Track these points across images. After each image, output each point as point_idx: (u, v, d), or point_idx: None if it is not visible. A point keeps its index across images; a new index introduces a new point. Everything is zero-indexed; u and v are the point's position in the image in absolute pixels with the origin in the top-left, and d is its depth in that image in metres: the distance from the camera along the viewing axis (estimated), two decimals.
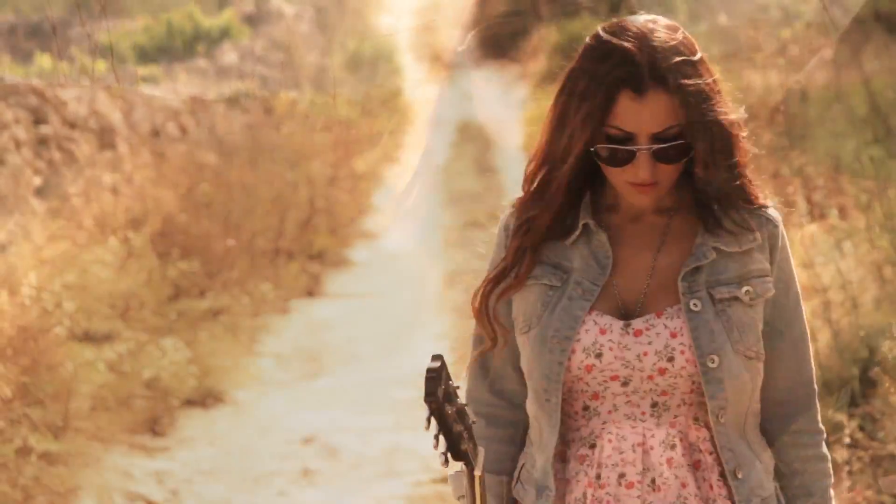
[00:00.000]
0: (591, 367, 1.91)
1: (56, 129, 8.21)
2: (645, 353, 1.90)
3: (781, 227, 1.97)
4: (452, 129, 14.74)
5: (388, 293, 8.53)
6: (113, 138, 8.96)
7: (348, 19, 19.47)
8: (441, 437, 1.75)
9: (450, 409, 1.74)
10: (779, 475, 1.97)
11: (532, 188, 1.94)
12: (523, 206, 1.95)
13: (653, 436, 1.91)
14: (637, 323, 1.91)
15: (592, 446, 1.93)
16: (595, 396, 1.92)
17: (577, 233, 1.95)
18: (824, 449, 1.99)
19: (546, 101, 1.98)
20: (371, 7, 22.77)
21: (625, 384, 1.91)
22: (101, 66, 11.40)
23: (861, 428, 4.39)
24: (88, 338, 6.36)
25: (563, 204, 1.94)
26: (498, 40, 19.73)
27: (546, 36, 16.77)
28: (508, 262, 1.95)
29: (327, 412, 6.18)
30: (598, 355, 1.91)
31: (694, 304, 1.90)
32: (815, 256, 5.26)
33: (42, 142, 8.05)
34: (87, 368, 5.75)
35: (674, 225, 1.95)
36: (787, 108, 8.64)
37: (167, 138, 9.83)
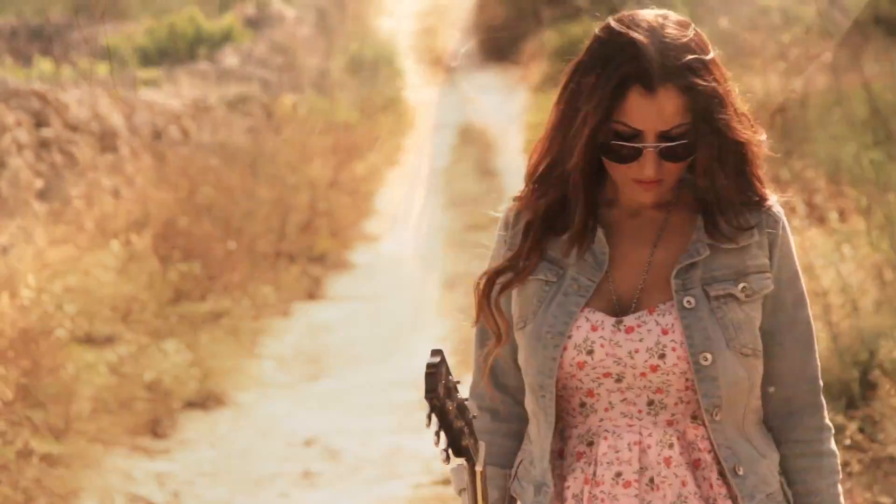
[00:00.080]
0: (583, 364, 1.90)
1: (57, 132, 8.22)
2: (636, 350, 1.89)
3: (783, 222, 1.93)
4: (453, 132, 14.75)
5: (388, 296, 8.54)
6: (114, 141, 8.98)
7: (349, 23, 19.48)
8: (442, 434, 1.74)
9: (450, 405, 1.74)
10: (786, 472, 1.95)
11: (535, 180, 1.92)
12: (529, 199, 1.93)
13: (650, 434, 1.90)
14: (629, 320, 1.89)
15: (590, 444, 1.92)
16: (590, 393, 1.92)
17: (576, 227, 1.92)
18: (832, 445, 1.96)
19: (547, 104, 1.95)
20: (372, 11, 22.80)
21: (618, 381, 1.90)
22: (103, 69, 11.41)
23: (861, 430, 4.40)
24: (90, 340, 6.37)
25: (585, 200, 1.91)
26: (498, 44, 19.74)
27: (546, 39, 16.78)
28: (516, 256, 1.92)
29: (328, 414, 6.18)
30: (590, 352, 1.89)
31: (688, 301, 1.88)
32: (815, 259, 5.26)
33: (43, 145, 8.06)
34: (88, 371, 5.76)
35: (672, 220, 1.93)
36: (788, 112, 8.65)
37: (168, 141, 9.84)
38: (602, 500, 1.90)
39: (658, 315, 1.89)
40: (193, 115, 10.65)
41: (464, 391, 1.85)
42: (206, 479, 5.40)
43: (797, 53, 10.14)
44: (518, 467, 1.98)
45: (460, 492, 1.90)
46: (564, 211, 1.92)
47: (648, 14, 1.87)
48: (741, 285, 1.90)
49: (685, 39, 1.85)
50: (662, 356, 1.88)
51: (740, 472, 1.89)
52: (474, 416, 1.81)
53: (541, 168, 1.91)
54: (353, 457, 5.57)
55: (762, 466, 1.91)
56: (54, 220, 7.43)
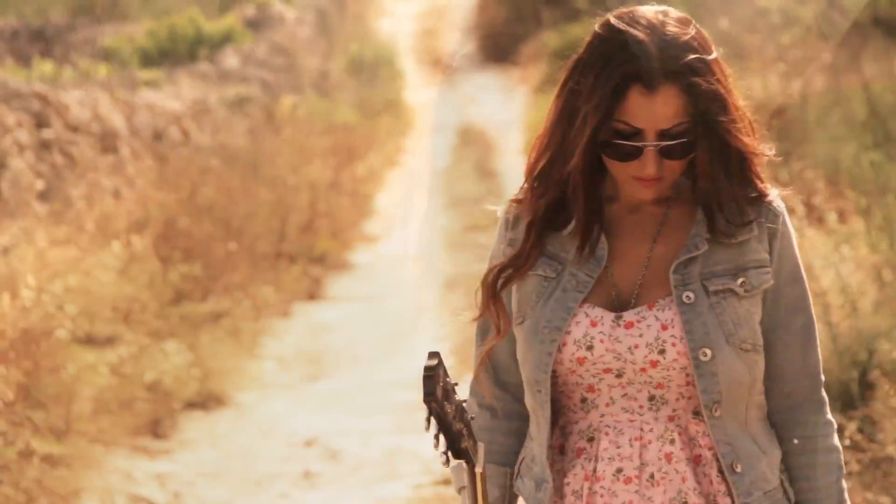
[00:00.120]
0: (583, 360, 1.89)
1: (58, 133, 8.23)
2: (636, 346, 1.88)
3: (784, 216, 1.92)
4: (453, 133, 14.75)
5: (388, 296, 8.55)
6: (115, 142, 8.99)
7: (349, 24, 19.48)
8: (441, 437, 1.74)
9: (449, 408, 1.73)
10: (789, 468, 1.93)
11: (534, 178, 1.91)
12: (529, 198, 1.93)
13: (651, 430, 1.89)
14: (629, 315, 1.89)
15: (591, 439, 1.91)
16: (591, 389, 1.91)
17: (573, 223, 1.92)
18: (835, 440, 1.94)
19: (547, 105, 1.94)
20: (372, 12, 22.79)
21: (619, 376, 1.89)
22: (103, 70, 11.42)
23: (860, 430, 4.40)
24: (90, 341, 6.38)
25: (586, 198, 1.90)
26: (498, 45, 19.75)
27: (546, 40, 16.79)
28: (519, 251, 1.92)
29: (328, 415, 6.19)
30: (590, 347, 1.89)
31: (687, 296, 1.87)
32: (815, 260, 5.27)
33: (44, 146, 8.07)
34: (89, 371, 5.76)
35: (672, 215, 1.92)
36: (787, 113, 8.66)
37: (169, 142, 9.85)
38: (601, 496, 1.89)
39: (658, 310, 1.88)
40: (194, 116, 10.66)
41: (462, 392, 1.84)
42: (206, 480, 5.41)
43: (796, 55, 10.15)
44: (520, 465, 1.98)
45: (460, 490, 1.90)
46: (565, 208, 1.91)
47: (648, 11, 1.86)
48: (740, 280, 1.89)
49: (686, 37, 1.84)
50: (662, 351, 1.87)
51: (738, 470, 1.88)
52: (472, 417, 1.81)
53: (540, 165, 1.91)
54: (353, 457, 5.58)
55: (761, 464, 1.90)
56: (55, 221, 7.44)
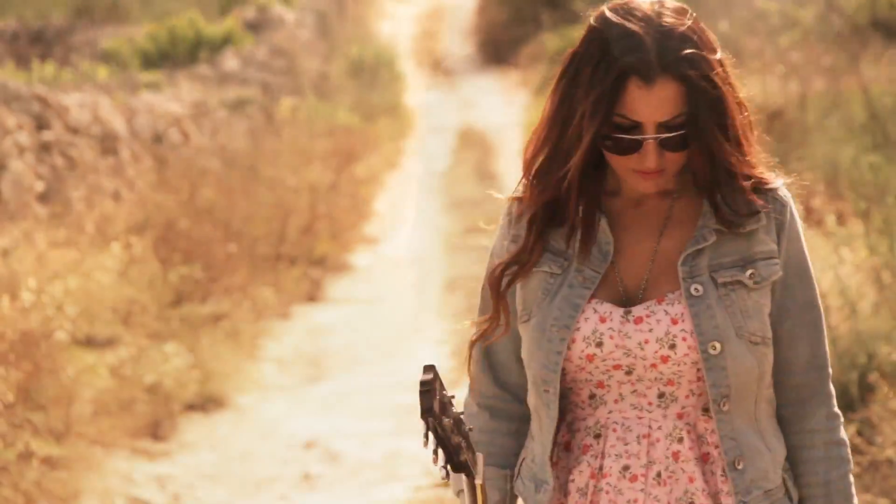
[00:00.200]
0: (592, 357, 1.87)
1: (58, 135, 8.24)
2: (646, 341, 1.85)
3: (791, 206, 1.90)
4: (452, 135, 14.76)
5: (388, 298, 8.55)
6: (115, 144, 8.99)
7: (349, 26, 19.49)
8: (440, 451, 1.72)
9: (446, 421, 1.70)
10: (794, 463, 1.91)
11: (534, 175, 1.89)
12: (530, 195, 1.90)
13: (659, 427, 1.86)
14: (638, 310, 1.86)
15: (598, 436, 1.88)
16: (600, 385, 1.88)
17: (578, 219, 1.90)
18: (842, 434, 1.92)
19: (545, 102, 1.91)
20: (372, 14, 22.79)
21: (628, 373, 1.86)
22: (104, 72, 11.43)
23: (859, 433, 4.40)
24: (90, 343, 6.38)
25: (579, 194, 1.88)
26: (498, 47, 19.75)
27: (546, 43, 16.80)
28: (522, 250, 1.90)
29: (328, 417, 6.19)
30: (599, 344, 1.86)
31: (695, 288, 1.85)
32: (813, 262, 5.27)
33: (44, 148, 8.07)
34: (88, 373, 5.76)
35: (677, 208, 1.90)
36: (786, 115, 8.66)
37: (169, 144, 9.85)
38: (607, 493, 1.87)
39: (667, 304, 1.86)
40: (194, 118, 10.67)
41: (459, 405, 1.81)
42: (206, 482, 5.41)
43: (795, 57, 10.16)
44: (521, 465, 1.95)
45: (458, 493, 1.88)
46: (567, 203, 1.89)
47: (644, 2, 1.84)
48: (749, 272, 1.86)
49: (682, 28, 1.82)
50: (673, 346, 1.85)
51: (739, 467, 1.86)
52: (471, 429, 1.78)
53: (539, 161, 1.89)
54: (353, 459, 5.58)
55: (765, 461, 1.88)
56: (55, 223, 7.44)
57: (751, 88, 1.92)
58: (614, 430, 1.87)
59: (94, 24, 14.63)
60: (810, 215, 6.46)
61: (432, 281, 8.81)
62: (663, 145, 1.83)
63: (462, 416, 1.76)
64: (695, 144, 1.83)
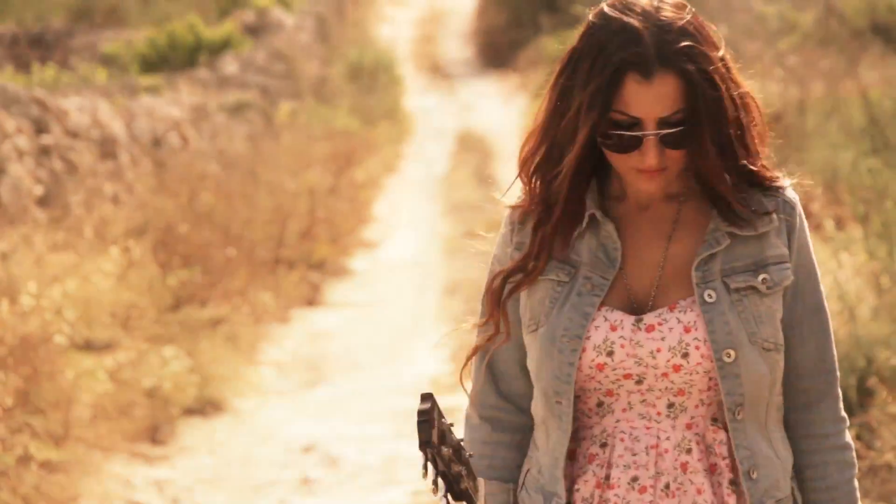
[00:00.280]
0: (602, 366, 1.83)
1: (58, 138, 8.24)
2: (658, 350, 1.82)
3: (799, 208, 1.86)
4: (452, 139, 14.77)
5: (387, 302, 8.55)
6: (114, 148, 8.99)
7: (348, 30, 19.50)
8: (440, 481, 1.68)
9: (446, 450, 1.67)
10: (800, 467, 1.89)
11: (531, 174, 1.85)
12: (529, 194, 1.86)
13: (667, 438, 1.83)
14: (649, 318, 1.82)
15: (604, 445, 1.85)
16: (609, 393, 1.84)
17: (583, 225, 1.86)
18: (847, 438, 1.90)
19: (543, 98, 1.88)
20: (371, 18, 22.79)
21: (639, 382, 1.83)
22: (103, 76, 11.43)
23: (858, 437, 4.40)
24: (89, 347, 6.38)
25: (569, 194, 1.84)
26: (497, 51, 19.76)
27: (545, 46, 16.80)
28: (526, 257, 1.85)
29: (327, 421, 6.19)
30: (610, 353, 1.82)
31: (708, 294, 1.81)
32: None
33: (44, 151, 8.07)
34: (87, 377, 5.76)
35: (684, 212, 1.86)
36: (785, 119, 8.66)
37: (168, 148, 9.85)
38: None
39: (679, 312, 1.82)
40: (193, 121, 10.67)
41: (458, 432, 1.77)
42: (205, 486, 5.41)
43: (795, 61, 10.16)
44: (525, 476, 1.91)
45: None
46: (570, 208, 1.85)
47: None
48: (761, 276, 1.83)
49: (682, 22, 1.79)
50: (686, 355, 1.82)
51: (754, 476, 1.83)
52: (471, 455, 1.74)
53: (537, 158, 1.85)
54: (351, 463, 5.58)
55: (777, 471, 1.86)
56: (54, 227, 7.44)
57: (744, 84, 1.88)
58: (622, 440, 1.84)
59: (94, 28, 14.64)
60: (809, 219, 6.45)
61: (431, 285, 8.80)
62: (664, 142, 1.79)
63: (462, 443, 1.72)
64: (696, 141, 1.79)
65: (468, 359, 1.94)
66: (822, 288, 1.90)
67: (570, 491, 1.87)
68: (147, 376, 6.14)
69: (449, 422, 1.71)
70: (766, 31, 11.60)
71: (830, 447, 1.89)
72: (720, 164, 1.81)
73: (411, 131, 15.67)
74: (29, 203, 7.64)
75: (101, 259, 7.01)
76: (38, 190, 7.86)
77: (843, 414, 1.91)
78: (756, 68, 9.61)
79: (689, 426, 1.84)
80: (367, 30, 20.93)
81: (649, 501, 1.83)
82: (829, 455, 1.89)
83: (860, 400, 4.61)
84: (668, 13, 1.80)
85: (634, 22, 1.78)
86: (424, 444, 1.65)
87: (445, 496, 1.71)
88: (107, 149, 8.86)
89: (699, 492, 1.83)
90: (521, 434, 1.93)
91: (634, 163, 1.81)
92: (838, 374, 1.91)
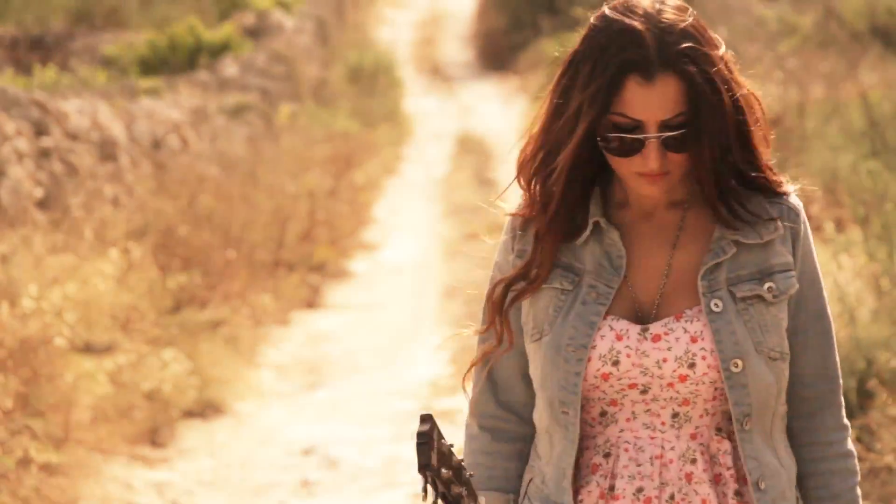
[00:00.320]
0: (607, 376, 1.81)
1: (57, 141, 8.24)
2: (664, 360, 1.80)
3: (803, 215, 1.85)
4: (452, 142, 14.77)
5: (387, 304, 8.55)
6: (114, 150, 8.99)
7: (348, 32, 19.50)
8: (440, 503, 1.67)
9: (446, 472, 1.65)
10: (803, 476, 1.87)
11: (531, 178, 1.83)
12: (534, 205, 1.83)
13: (672, 448, 1.82)
14: (655, 327, 1.80)
15: (607, 455, 1.83)
16: (613, 403, 1.83)
17: (587, 232, 1.83)
18: (849, 445, 1.89)
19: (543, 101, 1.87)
20: (371, 20, 22.80)
21: (644, 392, 1.81)
22: (103, 78, 11.44)
23: (858, 439, 4.40)
24: (89, 349, 6.37)
25: (570, 199, 1.82)
26: (497, 53, 19.77)
27: (545, 49, 16.81)
28: (528, 264, 1.83)
29: (327, 423, 6.19)
30: (615, 363, 1.80)
31: (715, 304, 1.79)
32: None
33: (43, 154, 8.07)
34: (87, 380, 5.76)
35: (689, 220, 1.84)
36: (785, 122, 8.66)
37: (168, 150, 9.85)
38: None
39: (685, 321, 1.81)
40: (193, 124, 10.67)
41: (458, 452, 1.75)
42: (205, 489, 5.41)
43: (794, 64, 10.17)
44: (528, 486, 1.89)
45: None
46: (573, 215, 1.83)
47: (644, 0, 1.80)
48: (767, 285, 1.81)
49: (684, 24, 1.77)
50: (692, 365, 1.80)
51: (762, 487, 1.82)
52: (471, 475, 1.72)
53: (536, 162, 1.83)
54: (351, 466, 5.58)
55: (782, 479, 1.85)
56: (54, 229, 7.44)
57: (746, 86, 1.86)
58: (626, 450, 1.82)
59: (94, 31, 14.64)
60: (809, 222, 6.46)
61: (431, 287, 8.81)
62: (666, 145, 1.77)
63: (463, 463, 1.71)
64: (698, 144, 1.77)
65: (471, 367, 1.92)
66: (826, 295, 1.89)
67: (573, 501, 1.84)
68: (147, 379, 6.14)
69: (449, 443, 1.69)
70: (765, 34, 11.60)
71: (833, 455, 1.88)
72: (722, 167, 1.79)
73: (411, 134, 15.68)
74: (29, 205, 7.64)
75: (100, 261, 7.01)
76: (38, 192, 7.86)
77: (846, 422, 1.90)
78: (756, 71, 9.63)
79: (693, 436, 1.82)
80: (366, 32, 20.93)
81: None
82: (833, 464, 1.88)
83: (860, 402, 4.61)
84: (669, 15, 1.79)
85: (636, 23, 1.77)
86: (424, 467, 1.63)
87: None
88: (107, 151, 8.86)
89: (704, 502, 1.81)
90: (522, 443, 1.91)
91: (636, 167, 1.79)
92: (841, 381, 1.90)
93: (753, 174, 1.81)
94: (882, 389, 4.52)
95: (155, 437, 5.89)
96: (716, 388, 1.81)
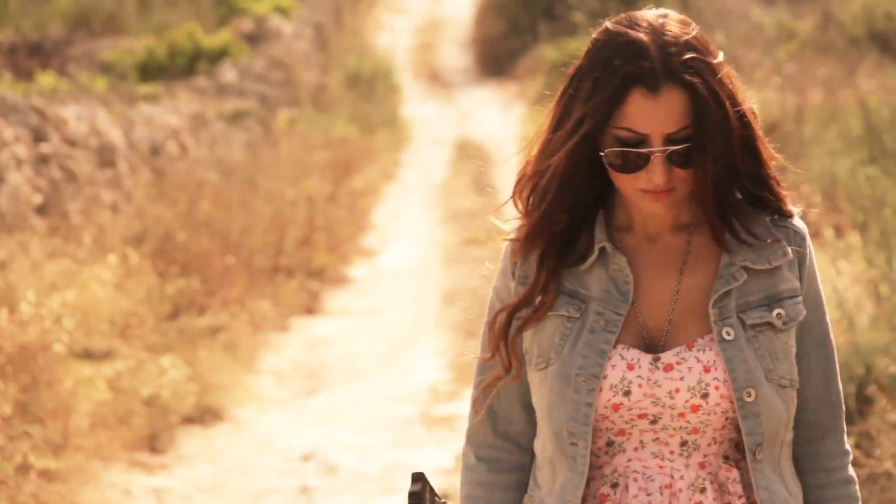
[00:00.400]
0: (618, 406, 1.77)
1: (56, 147, 8.24)
2: (677, 390, 1.77)
3: (808, 239, 1.83)
4: (450, 147, 14.78)
5: (386, 310, 8.55)
6: (113, 156, 8.99)
7: (347, 38, 19.52)
8: None
9: None
10: (806, 502, 1.86)
11: (532, 196, 1.79)
12: (535, 229, 1.79)
13: (681, 477, 1.79)
14: (667, 356, 1.77)
15: (615, 485, 1.79)
16: (621, 433, 1.80)
17: (593, 257, 1.79)
18: (851, 472, 1.87)
19: (544, 119, 1.83)
20: (369, 26, 22.83)
21: (654, 422, 1.78)
22: (101, 84, 11.44)
23: (858, 445, 4.40)
24: (88, 355, 6.37)
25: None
26: (496, 59, 19.78)
27: (544, 54, 16.83)
28: (532, 290, 1.79)
29: (326, 429, 6.19)
30: (627, 393, 1.77)
31: (726, 332, 1.76)
32: None
33: (42, 160, 8.08)
34: (86, 386, 5.76)
35: (695, 244, 1.80)
36: (783, 128, 8.67)
37: (167, 156, 9.86)
38: None
39: (698, 351, 1.77)
40: (192, 130, 10.68)
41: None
42: (204, 495, 5.40)
43: (792, 69, 10.18)
44: None
45: None
46: (576, 239, 1.80)
47: (648, 14, 1.78)
48: (776, 311, 1.79)
49: (687, 37, 1.75)
50: (705, 395, 1.77)
51: None
52: None
53: (533, 181, 1.79)
54: (350, 472, 5.57)
55: None
56: (52, 235, 7.44)
57: (748, 101, 1.87)
58: (635, 480, 1.79)
59: (93, 36, 14.65)
60: (807, 228, 6.46)
61: (430, 293, 8.81)
62: (671, 160, 1.74)
63: None
64: (703, 159, 1.74)
65: (475, 398, 1.87)
66: (828, 319, 1.87)
67: None
68: (146, 385, 6.14)
69: (442, 500, 1.68)
70: (763, 40, 11.61)
71: (836, 482, 1.86)
72: (726, 183, 1.77)
73: (410, 139, 15.69)
74: (27, 211, 7.64)
75: (99, 267, 7.01)
76: (37, 198, 7.87)
77: (847, 447, 1.89)
78: (754, 76, 9.64)
79: (702, 465, 1.80)
80: (365, 38, 20.95)
81: None
82: (835, 490, 1.86)
83: (859, 408, 4.62)
84: (673, 28, 1.77)
85: (641, 35, 1.75)
86: None
87: None
88: (105, 157, 8.87)
89: None
90: (520, 473, 1.88)
91: (641, 183, 1.75)
92: (844, 407, 1.88)
93: (759, 189, 1.79)
94: (881, 395, 4.52)
95: (154, 443, 5.88)
96: (727, 418, 1.79)
